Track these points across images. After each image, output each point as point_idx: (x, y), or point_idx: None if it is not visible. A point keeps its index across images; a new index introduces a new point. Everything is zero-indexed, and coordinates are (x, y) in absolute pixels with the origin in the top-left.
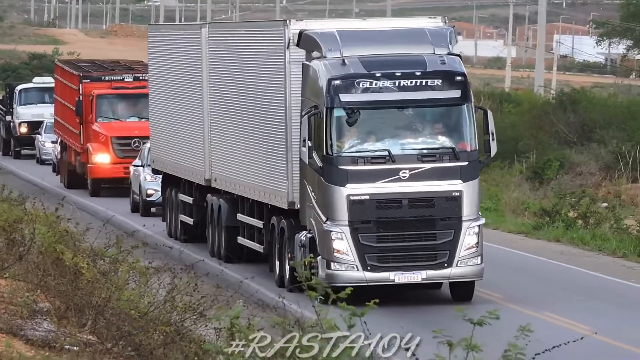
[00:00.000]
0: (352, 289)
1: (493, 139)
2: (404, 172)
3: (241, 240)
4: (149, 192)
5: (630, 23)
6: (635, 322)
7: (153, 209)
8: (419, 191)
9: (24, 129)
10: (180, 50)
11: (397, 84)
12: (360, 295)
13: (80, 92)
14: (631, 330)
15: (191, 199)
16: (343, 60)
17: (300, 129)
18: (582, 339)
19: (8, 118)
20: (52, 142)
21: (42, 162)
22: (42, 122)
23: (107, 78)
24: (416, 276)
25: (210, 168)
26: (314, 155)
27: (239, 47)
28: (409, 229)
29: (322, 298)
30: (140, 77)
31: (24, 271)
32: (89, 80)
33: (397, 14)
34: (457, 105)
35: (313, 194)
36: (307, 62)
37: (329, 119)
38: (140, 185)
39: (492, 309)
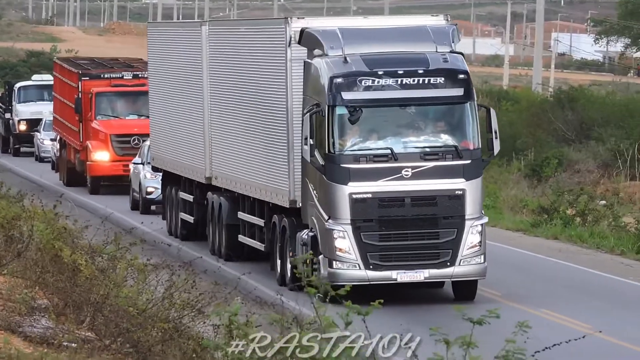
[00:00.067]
0: (350, 286)
1: (496, 137)
2: (406, 171)
3: (242, 238)
4: (149, 189)
5: (628, 21)
6: (634, 320)
7: (153, 207)
8: (421, 189)
9: (23, 127)
10: (180, 48)
11: (399, 82)
12: (361, 295)
13: (80, 90)
14: (629, 328)
15: (191, 196)
16: (345, 58)
17: (302, 127)
18: (584, 337)
19: (7, 116)
20: (51, 139)
21: (41, 159)
22: (41, 119)
23: (106, 75)
24: (419, 275)
25: (210, 166)
26: (316, 153)
27: (240, 45)
28: (411, 227)
29: (321, 296)
30: (140, 75)
31: (22, 268)
32: (88, 78)
33: (395, 11)
34: (459, 104)
35: (315, 192)
36: (309, 60)
37: (331, 117)
38: (140, 183)
39: (492, 307)
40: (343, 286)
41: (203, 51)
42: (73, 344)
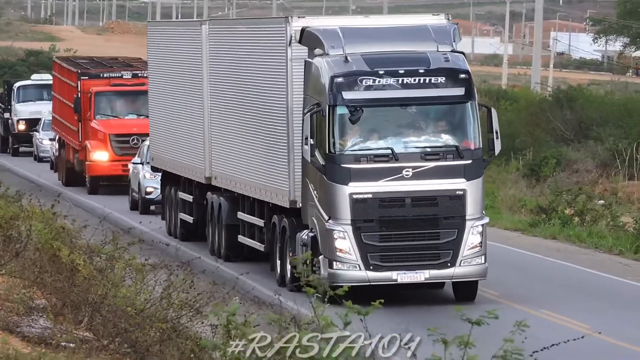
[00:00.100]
0: (349, 286)
1: (497, 137)
2: (407, 171)
3: (242, 239)
4: (148, 190)
5: (627, 20)
6: (632, 320)
7: (152, 207)
8: (422, 190)
9: (22, 127)
10: (180, 47)
11: (400, 82)
12: (361, 295)
13: (79, 89)
14: (628, 328)
15: (191, 197)
16: (346, 58)
17: (302, 126)
18: (583, 337)
19: (6, 115)
20: (50, 139)
21: (39, 159)
22: (40, 119)
23: (105, 75)
24: (419, 276)
25: (210, 166)
26: (316, 153)
27: (240, 45)
28: (412, 228)
29: (320, 296)
30: (139, 74)
31: (21, 268)
32: (87, 77)
33: (394, 10)
34: (461, 103)
35: (315, 192)
36: (310, 60)
37: (332, 116)
38: (139, 183)
39: (490, 307)
40: (342, 286)
41: (203, 50)
42: (71, 344)
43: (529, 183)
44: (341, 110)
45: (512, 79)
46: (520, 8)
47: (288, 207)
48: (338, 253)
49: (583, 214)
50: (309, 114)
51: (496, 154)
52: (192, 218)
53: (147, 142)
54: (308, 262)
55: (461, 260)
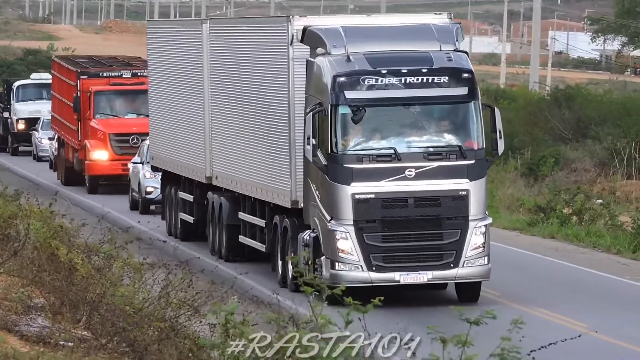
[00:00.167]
0: (347, 285)
1: (500, 137)
2: (409, 171)
3: (243, 239)
4: (149, 189)
5: (624, 19)
6: (630, 319)
7: (152, 207)
8: (425, 190)
9: (21, 126)
10: (181, 46)
11: (403, 81)
12: (361, 296)
13: (78, 89)
14: (626, 327)
15: (191, 196)
16: (348, 57)
17: (304, 126)
18: (580, 336)
19: (5, 114)
20: (49, 138)
21: (39, 159)
22: (39, 118)
23: (105, 74)
24: (422, 277)
25: (211, 166)
26: (319, 153)
27: (241, 44)
28: (414, 228)
29: (317, 294)
30: (139, 74)
31: (19, 267)
32: (86, 77)
33: (392, 9)
34: (464, 103)
35: (317, 192)
36: (311, 59)
37: (334, 116)
38: (139, 183)
39: (489, 307)
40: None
41: (204, 49)
42: (69, 343)
43: (527, 182)
44: (343, 109)
45: (510, 78)
46: (518, 7)
47: (290, 207)
48: (340, 254)
49: (581, 213)
50: (311, 113)
51: (499, 154)
52: (192, 218)
53: (147, 142)
54: (310, 263)
55: (464, 261)
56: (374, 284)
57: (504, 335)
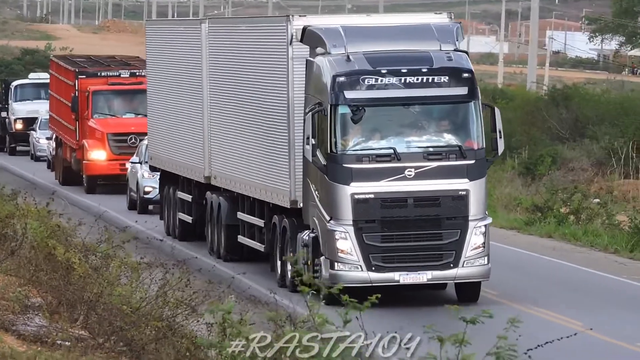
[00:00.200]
0: (346, 286)
1: (500, 137)
2: (409, 171)
3: (241, 239)
4: (147, 189)
5: (622, 19)
6: (627, 318)
7: (151, 207)
8: (424, 190)
9: (19, 126)
10: (180, 46)
11: (403, 81)
12: (360, 296)
13: (76, 88)
14: (623, 326)
15: (190, 196)
16: (348, 57)
17: (303, 126)
18: (575, 334)
19: (3, 114)
20: (47, 138)
21: (36, 158)
22: (37, 118)
23: (103, 74)
24: (421, 277)
25: (210, 165)
26: (318, 153)
27: (240, 43)
28: (414, 228)
29: (315, 293)
30: (137, 73)
31: (16, 266)
32: (84, 76)
33: (390, 9)
34: (464, 103)
35: (316, 192)
36: (311, 59)
37: (333, 116)
38: (137, 183)
39: (487, 306)
40: (347, 289)
41: (203, 49)
42: (67, 343)
43: (524, 181)
44: (343, 109)
45: (507, 77)
46: (516, 7)
47: (289, 207)
48: (339, 254)
49: (578, 213)
50: (310, 113)
51: (499, 153)
52: (191, 218)
53: (145, 141)
54: (309, 263)
55: (464, 261)
56: (374, 284)
57: (500, 334)
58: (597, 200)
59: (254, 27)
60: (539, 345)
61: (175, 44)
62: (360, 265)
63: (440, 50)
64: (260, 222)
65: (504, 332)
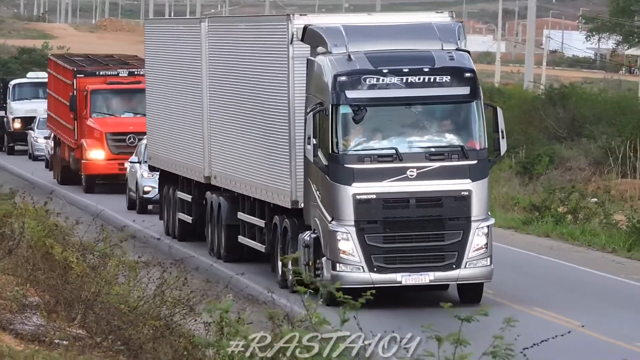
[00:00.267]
0: (348, 287)
1: (503, 137)
2: (411, 171)
3: (242, 239)
4: (146, 189)
5: (619, 18)
6: (625, 317)
7: (150, 207)
8: (426, 190)
9: (17, 125)
10: (179, 45)
11: (404, 81)
12: (360, 297)
13: (75, 87)
14: (621, 325)
15: (190, 196)
16: (349, 56)
17: (305, 126)
18: (569, 332)
19: (1, 113)
20: (45, 137)
21: (34, 158)
22: (35, 117)
23: (101, 73)
24: (424, 278)
25: (210, 165)
26: (319, 153)
27: (240, 42)
28: (416, 229)
29: (312, 292)
30: (135, 72)
31: (14, 265)
32: (83, 75)
33: (387, 8)
34: (466, 102)
35: (318, 192)
36: (312, 58)
37: (335, 116)
38: (137, 183)
39: (485, 306)
40: (348, 290)
41: (202, 48)
42: (64, 342)
43: (522, 181)
44: (344, 109)
45: (504, 76)
46: (513, 6)
47: (290, 207)
48: (341, 255)
49: (576, 212)
50: (311, 113)
51: (502, 154)
52: (190, 218)
53: (144, 141)
54: (310, 264)
55: (466, 262)
56: (376, 285)
57: (497, 334)
58: (595, 199)
59: (254, 26)
60: (534, 344)
61: (175, 43)
62: (362, 266)
63: (442, 49)
64: (260, 223)
65: (500, 332)
